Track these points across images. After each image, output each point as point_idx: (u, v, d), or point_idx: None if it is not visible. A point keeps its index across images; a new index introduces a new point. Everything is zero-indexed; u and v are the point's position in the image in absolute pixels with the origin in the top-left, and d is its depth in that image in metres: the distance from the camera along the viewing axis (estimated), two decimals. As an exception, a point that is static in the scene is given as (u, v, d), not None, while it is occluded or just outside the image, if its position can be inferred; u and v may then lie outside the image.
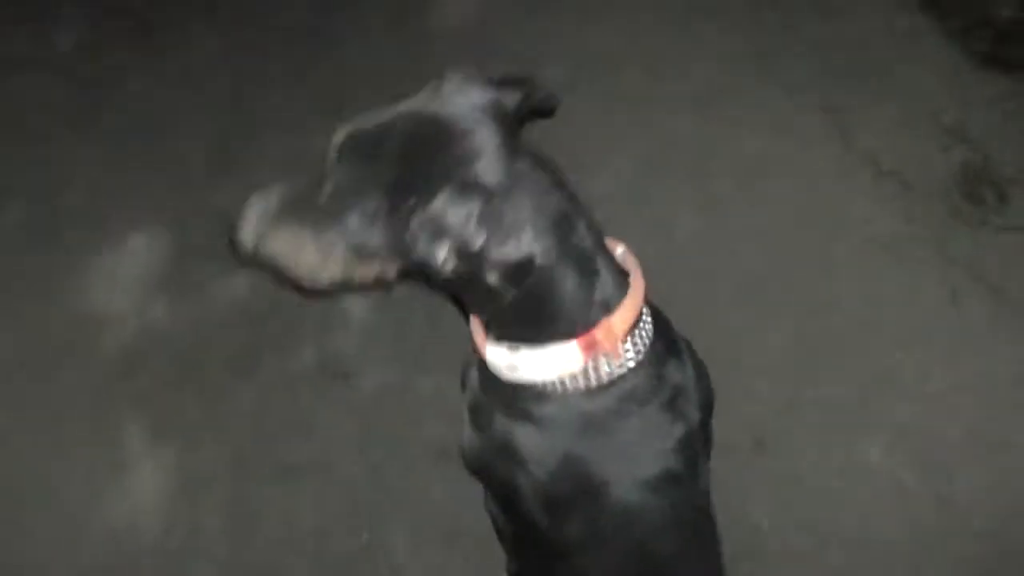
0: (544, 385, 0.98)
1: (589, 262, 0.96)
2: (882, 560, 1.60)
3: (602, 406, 0.98)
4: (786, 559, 1.61)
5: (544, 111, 1.06)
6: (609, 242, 1.04)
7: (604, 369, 0.97)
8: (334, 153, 0.95)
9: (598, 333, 0.96)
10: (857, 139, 2.22)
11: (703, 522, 1.11)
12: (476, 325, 1.05)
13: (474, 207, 0.86)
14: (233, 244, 1.01)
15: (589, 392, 0.98)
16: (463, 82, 0.97)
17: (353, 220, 0.92)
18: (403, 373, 1.88)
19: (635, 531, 1.02)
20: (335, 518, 1.71)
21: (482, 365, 1.07)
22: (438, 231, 0.87)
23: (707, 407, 1.11)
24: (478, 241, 0.87)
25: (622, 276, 1.01)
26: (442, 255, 0.88)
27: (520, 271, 0.90)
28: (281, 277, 1.04)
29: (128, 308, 2.01)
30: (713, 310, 1.87)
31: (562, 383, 0.97)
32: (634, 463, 1.00)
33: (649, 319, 1.02)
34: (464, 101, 0.94)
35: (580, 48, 2.43)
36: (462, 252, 0.87)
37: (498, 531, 1.28)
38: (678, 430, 1.02)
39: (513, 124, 0.98)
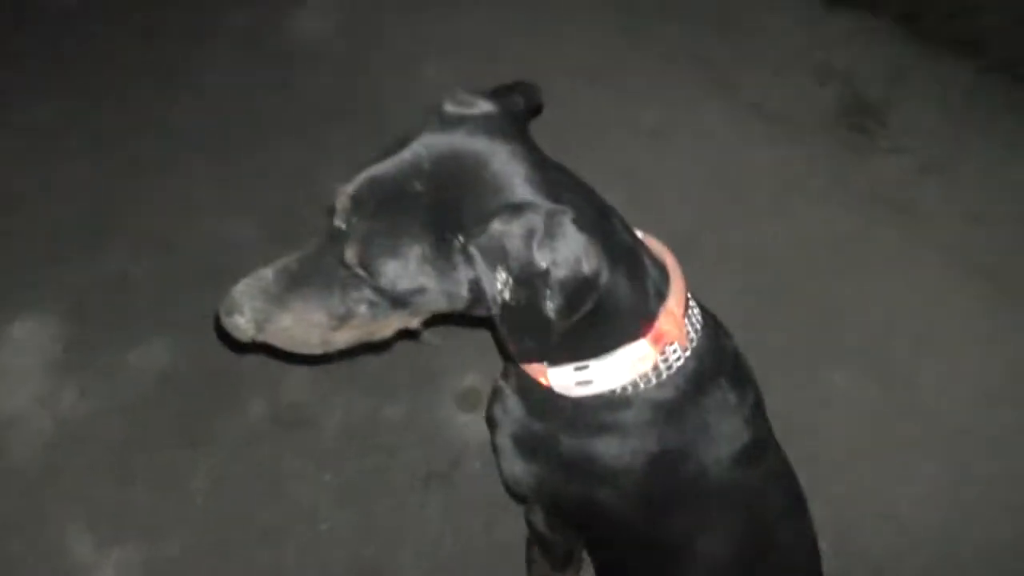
0: (616, 391, 0.95)
1: (634, 256, 0.94)
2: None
3: (676, 393, 0.96)
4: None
5: (538, 110, 1.02)
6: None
7: (673, 357, 0.95)
8: (348, 208, 0.88)
9: (663, 324, 0.93)
10: (740, 91, 2.31)
11: (789, 475, 1.12)
12: (516, 353, 0.99)
13: (535, 224, 0.81)
14: (227, 332, 0.94)
15: (660, 384, 0.95)
16: (464, 105, 0.92)
17: (391, 268, 0.86)
18: (365, 406, 1.78)
19: (741, 508, 1.02)
20: (337, 570, 1.60)
21: (525, 392, 1.03)
22: (499, 256, 0.82)
23: None
24: (543, 261, 0.81)
25: (659, 262, 0.99)
26: (501, 282, 0.82)
27: (587, 287, 0.84)
28: (287, 350, 0.98)
29: (33, 403, 1.78)
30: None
31: (635, 384, 0.94)
32: (723, 441, 0.99)
33: (690, 295, 1.01)
34: (476, 125, 0.89)
35: (454, 45, 2.39)
36: (523, 275, 0.82)
37: (544, 546, 1.24)
38: (750, 396, 1.02)
39: (526, 133, 0.94)
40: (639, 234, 1.02)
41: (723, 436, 0.99)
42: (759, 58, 2.38)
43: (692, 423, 0.97)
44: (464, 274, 0.85)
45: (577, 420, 0.98)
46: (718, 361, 0.99)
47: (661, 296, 0.95)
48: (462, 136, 0.88)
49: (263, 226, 2.01)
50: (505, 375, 1.09)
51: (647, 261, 0.96)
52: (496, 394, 1.10)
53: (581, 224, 0.82)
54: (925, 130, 2.19)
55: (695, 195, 2.07)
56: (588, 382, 0.94)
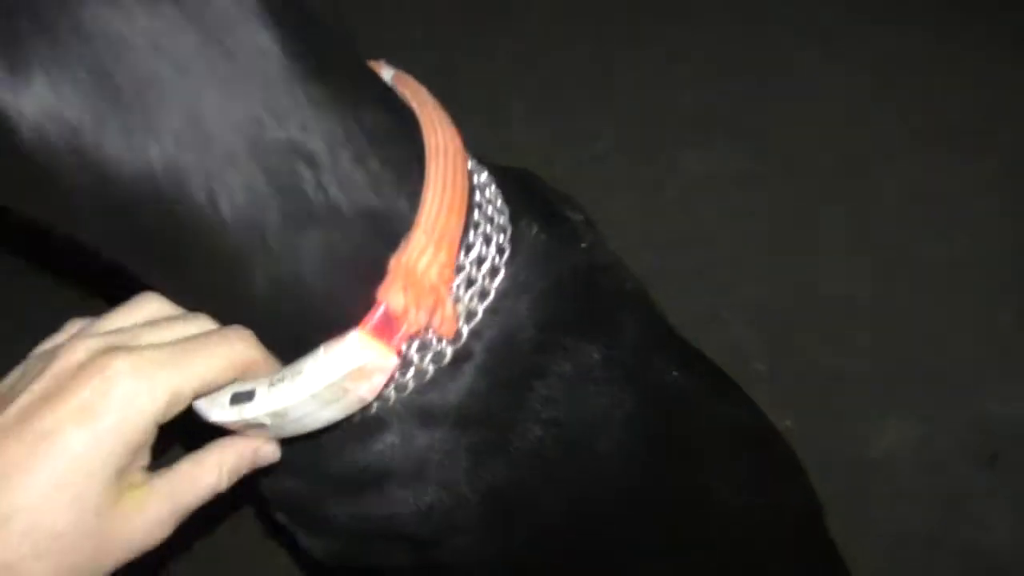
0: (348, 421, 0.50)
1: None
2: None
3: (469, 393, 0.52)
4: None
5: None
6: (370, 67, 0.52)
7: (435, 347, 0.50)
8: None
9: (390, 299, 0.45)
10: None
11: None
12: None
13: None
14: None
15: (435, 383, 0.52)
16: None
17: None
18: None
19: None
20: None
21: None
22: None
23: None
24: None
25: (397, 141, 0.46)
26: None
27: None
28: None
29: None
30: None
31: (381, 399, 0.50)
32: (602, 428, 0.58)
33: (492, 186, 0.54)
34: None
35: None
36: None
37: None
38: (627, 335, 0.59)
39: None
40: (386, 73, 0.53)
41: (597, 421, 0.58)
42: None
43: (525, 423, 0.54)
44: None
45: (329, 471, 0.56)
46: (555, 309, 0.54)
47: (386, 237, 0.45)
48: None
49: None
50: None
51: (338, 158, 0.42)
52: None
53: None
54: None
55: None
56: (283, 413, 0.45)
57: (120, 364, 0.39)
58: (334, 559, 0.66)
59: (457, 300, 0.49)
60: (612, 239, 1.34)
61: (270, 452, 0.50)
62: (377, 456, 0.53)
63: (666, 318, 0.70)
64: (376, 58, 0.55)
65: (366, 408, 0.49)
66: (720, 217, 1.45)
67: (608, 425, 0.58)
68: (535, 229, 0.54)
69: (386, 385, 0.49)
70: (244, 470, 0.49)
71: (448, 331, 0.49)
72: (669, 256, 1.40)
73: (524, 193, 0.57)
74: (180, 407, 0.42)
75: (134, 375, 0.39)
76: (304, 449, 0.53)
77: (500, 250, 0.51)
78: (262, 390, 0.45)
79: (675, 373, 0.65)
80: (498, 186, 0.55)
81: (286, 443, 0.52)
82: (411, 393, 0.51)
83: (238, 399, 0.46)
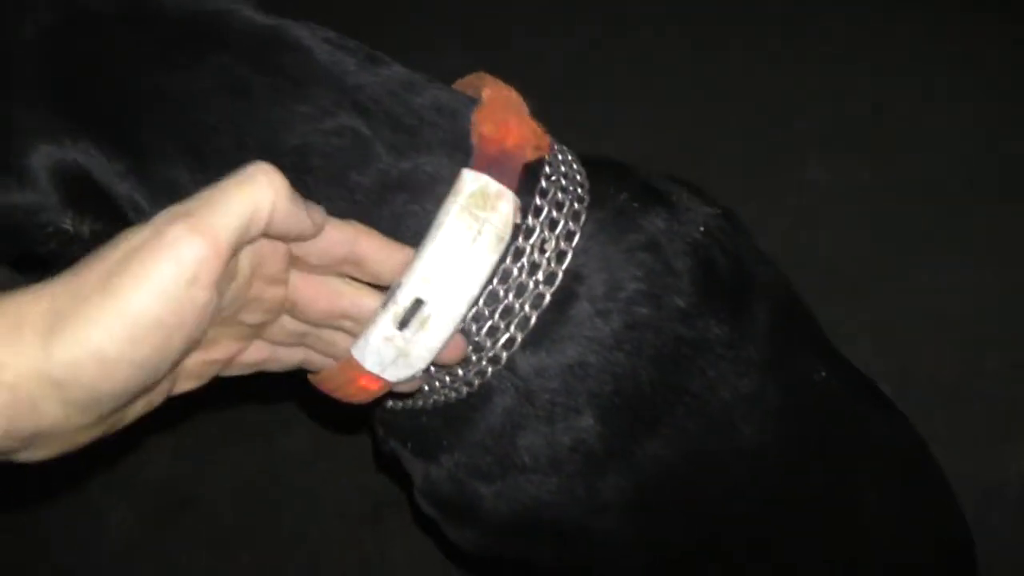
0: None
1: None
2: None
3: (588, 347, 0.54)
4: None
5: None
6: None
7: (538, 272, 0.51)
8: None
9: (483, 128, 0.50)
10: None
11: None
12: None
13: None
14: None
15: (542, 330, 0.53)
16: None
17: None
18: (254, 464, 1.35)
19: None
20: None
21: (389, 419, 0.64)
22: None
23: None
24: None
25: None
26: None
27: None
28: None
29: None
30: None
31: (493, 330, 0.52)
32: (729, 416, 0.58)
33: (570, 157, 0.57)
34: None
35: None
36: None
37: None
38: (760, 318, 0.59)
39: None
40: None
41: (726, 408, 0.57)
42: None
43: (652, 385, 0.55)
44: None
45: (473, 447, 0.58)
46: (658, 271, 0.55)
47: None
48: None
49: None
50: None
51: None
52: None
53: None
54: None
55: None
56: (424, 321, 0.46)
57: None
58: (481, 551, 0.67)
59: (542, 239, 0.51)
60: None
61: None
62: (500, 433, 0.55)
63: (815, 319, 0.69)
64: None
65: (469, 378, 0.52)
66: (841, 232, 1.42)
67: (751, 411, 0.58)
68: (624, 196, 0.57)
69: (517, 234, 0.50)
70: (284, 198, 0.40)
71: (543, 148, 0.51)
72: (791, 272, 1.37)
73: (616, 173, 0.60)
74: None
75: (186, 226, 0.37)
76: (447, 429, 0.56)
77: (579, 198, 0.54)
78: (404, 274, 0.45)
79: (823, 374, 0.64)
80: (582, 165, 0.57)
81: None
82: (518, 351, 0.53)
83: (389, 309, 0.45)
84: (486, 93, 0.52)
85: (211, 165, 0.45)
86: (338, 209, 0.46)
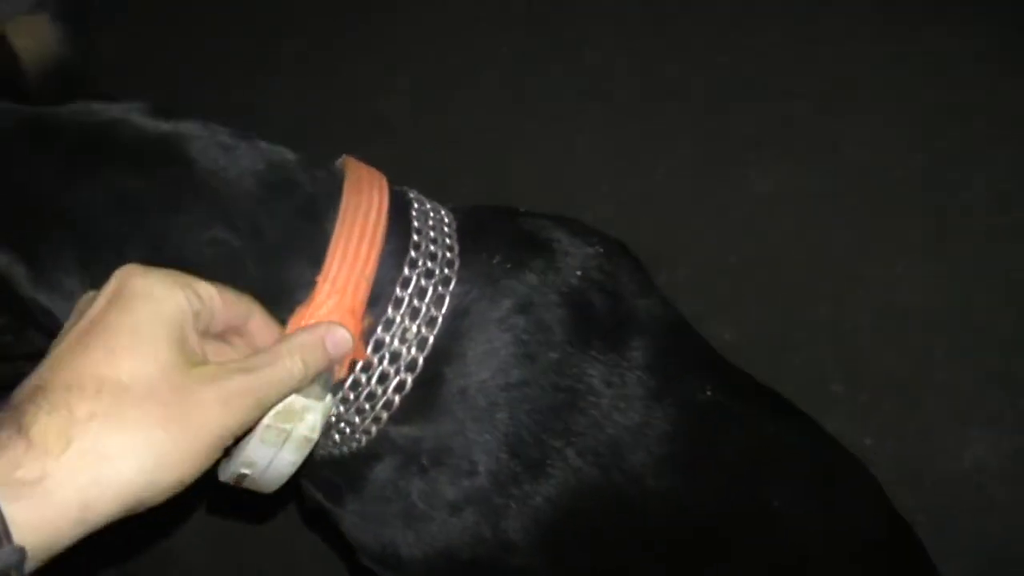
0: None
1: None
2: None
3: (468, 407, 0.59)
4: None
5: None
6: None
7: (393, 378, 0.57)
8: None
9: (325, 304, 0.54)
10: None
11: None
12: None
13: None
14: None
15: (411, 407, 0.59)
16: None
17: None
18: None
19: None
20: None
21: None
22: None
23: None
24: None
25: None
26: None
27: None
28: None
29: None
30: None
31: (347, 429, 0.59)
32: (629, 442, 0.62)
33: (448, 220, 0.62)
34: None
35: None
36: None
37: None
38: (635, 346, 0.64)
39: None
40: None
41: (614, 442, 0.62)
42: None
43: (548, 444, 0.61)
44: None
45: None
46: (532, 327, 0.60)
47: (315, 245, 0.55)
48: None
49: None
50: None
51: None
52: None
53: None
54: None
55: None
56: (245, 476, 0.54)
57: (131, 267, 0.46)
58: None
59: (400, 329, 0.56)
60: (680, 263, 1.36)
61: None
62: (394, 487, 0.61)
63: (702, 340, 0.73)
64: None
65: (348, 441, 0.58)
66: (788, 237, 1.45)
67: (639, 440, 0.63)
68: (497, 259, 0.61)
69: (339, 423, 0.56)
70: (321, 359, 0.50)
71: (360, 353, 0.55)
72: (738, 279, 1.40)
73: (496, 229, 0.64)
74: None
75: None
76: (347, 481, 0.62)
77: (445, 280, 0.58)
78: (235, 450, 0.53)
79: (709, 393, 0.68)
80: (461, 226, 0.61)
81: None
82: (390, 424, 0.58)
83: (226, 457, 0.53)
84: (343, 202, 0.56)
85: (97, 276, 0.50)
86: None
